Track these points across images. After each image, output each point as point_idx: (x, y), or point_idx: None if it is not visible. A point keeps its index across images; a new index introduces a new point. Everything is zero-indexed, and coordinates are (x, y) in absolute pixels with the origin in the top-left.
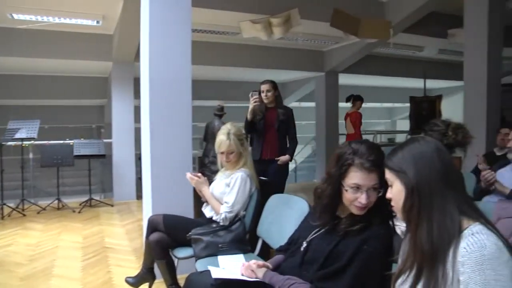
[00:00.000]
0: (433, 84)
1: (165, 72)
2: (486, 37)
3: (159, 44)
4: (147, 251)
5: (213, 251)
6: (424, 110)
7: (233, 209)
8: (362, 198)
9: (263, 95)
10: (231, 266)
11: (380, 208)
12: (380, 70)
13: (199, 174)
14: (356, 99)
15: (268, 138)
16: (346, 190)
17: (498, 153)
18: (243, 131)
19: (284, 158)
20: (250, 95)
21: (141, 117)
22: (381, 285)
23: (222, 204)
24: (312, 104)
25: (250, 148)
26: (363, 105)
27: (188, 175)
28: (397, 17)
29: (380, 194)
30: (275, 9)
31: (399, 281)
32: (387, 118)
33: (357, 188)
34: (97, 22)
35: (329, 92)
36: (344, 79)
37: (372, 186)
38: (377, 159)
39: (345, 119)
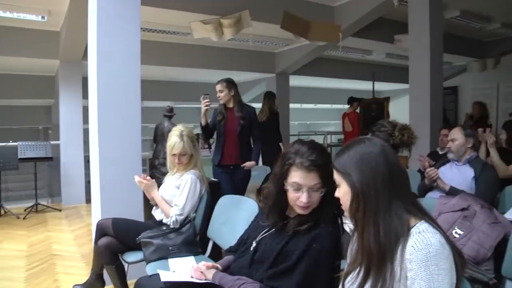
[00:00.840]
0: (381, 86)
1: (114, 71)
2: (428, 43)
3: (107, 42)
4: (96, 256)
5: (164, 254)
6: (373, 111)
7: (184, 212)
8: (303, 197)
9: (217, 95)
10: (181, 268)
11: (327, 207)
12: (330, 72)
13: (148, 177)
14: (353, 100)
15: (228, 142)
16: (288, 190)
17: (440, 152)
18: (194, 133)
19: (249, 164)
20: (201, 98)
21: (89, 118)
22: (331, 282)
23: (172, 206)
24: None
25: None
26: (314, 106)
27: (137, 178)
28: (346, 21)
29: (322, 194)
30: (226, 10)
31: (348, 279)
32: (337, 119)
33: (298, 187)
34: (43, 17)
35: (280, 93)
36: (295, 81)
37: (313, 186)
38: (317, 159)
39: (343, 118)
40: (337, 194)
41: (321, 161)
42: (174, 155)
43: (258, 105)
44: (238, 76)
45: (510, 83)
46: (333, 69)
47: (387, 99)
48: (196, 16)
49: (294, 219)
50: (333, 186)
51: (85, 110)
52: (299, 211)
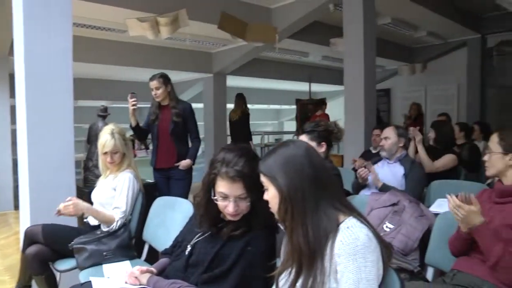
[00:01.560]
0: (318, 87)
1: (43, 68)
2: (362, 47)
3: (36, 37)
4: (23, 267)
5: (98, 260)
6: (310, 112)
7: (127, 212)
8: (230, 207)
9: (152, 93)
10: (116, 274)
11: (260, 211)
12: (267, 73)
13: (69, 198)
14: (322, 102)
15: (162, 143)
16: (216, 199)
17: (373, 151)
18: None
19: (184, 162)
20: (128, 97)
21: (16, 118)
22: (266, 283)
23: (108, 209)
24: (201, 105)
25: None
26: (251, 106)
27: (61, 207)
28: (283, 23)
29: (249, 203)
30: (162, 9)
31: (282, 277)
32: (274, 119)
33: (225, 196)
34: None
35: (217, 94)
36: (233, 81)
37: (239, 196)
38: (242, 169)
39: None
40: (266, 197)
41: (246, 171)
42: (105, 153)
43: (196, 105)
44: (175, 76)
45: (436, 86)
46: (270, 70)
47: (323, 100)
48: (132, 13)
49: (228, 223)
50: (262, 191)
51: (13, 109)
52: (230, 218)
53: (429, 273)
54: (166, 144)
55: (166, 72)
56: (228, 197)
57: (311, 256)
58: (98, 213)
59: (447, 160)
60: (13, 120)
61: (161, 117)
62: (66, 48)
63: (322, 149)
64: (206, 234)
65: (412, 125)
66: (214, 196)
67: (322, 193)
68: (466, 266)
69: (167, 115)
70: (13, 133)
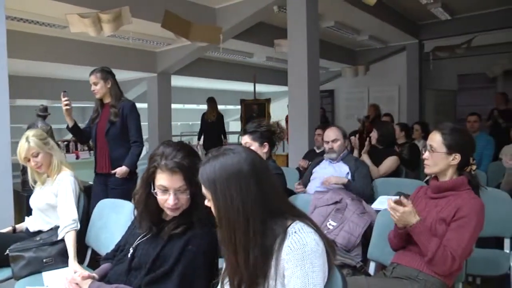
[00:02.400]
0: (263, 88)
1: None
2: (305, 48)
3: None
4: None
5: (37, 267)
6: (254, 112)
7: (77, 218)
8: (170, 200)
9: (92, 89)
10: (57, 282)
11: (199, 206)
12: (212, 73)
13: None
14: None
15: (100, 145)
16: (156, 193)
17: (317, 151)
18: (41, 131)
19: (120, 170)
20: (61, 95)
21: None
22: (209, 281)
23: (48, 215)
24: (145, 105)
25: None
26: (197, 106)
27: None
28: (227, 24)
29: (188, 196)
30: (105, 5)
31: (226, 280)
32: None
33: (164, 190)
34: None
35: (162, 93)
36: (177, 81)
37: (178, 188)
38: (181, 161)
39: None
40: (207, 203)
41: (185, 163)
42: (27, 160)
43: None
44: (118, 75)
45: (378, 88)
46: (215, 70)
47: (268, 100)
48: (73, 8)
49: (169, 222)
50: (199, 189)
51: None
52: (169, 213)
53: (371, 268)
54: (103, 146)
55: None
56: (168, 190)
57: (252, 276)
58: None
59: (390, 163)
60: None
61: (102, 116)
62: (0, 43)
63: (265, 149)
64: (148, 236)
65: (370, 126)
66: (154, 190)
67: (268, 207)
68: (404, 259)
69: (107, 114)
70: None
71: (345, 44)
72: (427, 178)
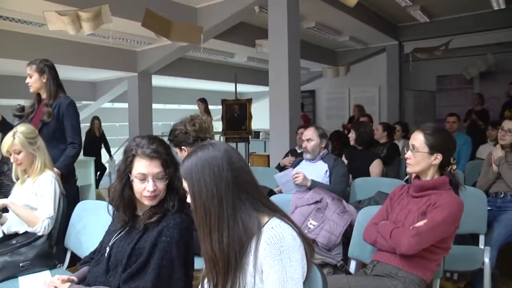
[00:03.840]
0: (244, 88)
1: None
2: (286, 49)
3: None
4: None
5: (13, 272)
6: (236, 112)
7: (54, 217)
8: (149, 186)
9: (26, 81)
10: (34, 286)
11: (173, 195)
12: (193, 73)
13: None
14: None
15: None
16: (134, 182)
17: (299, 150)
18: (30, 127)
19: None
20: None
21: None
22: (187, 272)
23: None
24: (125, 105)
25: None
26: (178, 106)
27: None
28: (208, 23)
29: (167, 182)
30: (84, 3)
31: (205, 280)
32: None
33: (143, 177)
34: None
35: (143, 93)
36: (158, 81)
37: (156, 174)
38: (158, 148)
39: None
40: (188, 200)
41: (162, 149)
42: (9, 154)
43: (121, 105)
44: (98, 74)
45: (358, 88)
46: (196, 70)
47: (249, 101)
48: (51, 5)
49: (143, 215)
50: (175, 174)
51: None
52: (147, 202)
53: (352, 266)
54: None
55: (88, 70)
56: (147, 177)
57: (225, 263)
58: (23, 214)
59: (378, 167)
60: None
61: (36, 113)
62: None
63: (185, 153)
64: (122, 232)
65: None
66: (132, 179)
67: (242, 195)
68: (384, 256)
69: (41, 111)
70: None
71: (326, 44)
72: (407, 177)
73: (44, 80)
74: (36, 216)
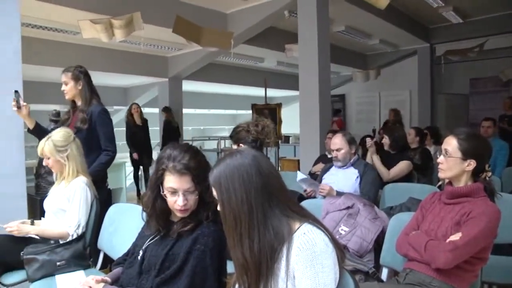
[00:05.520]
0: (274, 92)
1: None
2: (316, 53)
3: None
4: None
5: (50, 270)
6: (266, 116)
7: (81, 224)
8: (179, 201)
9: (62, 88)
10: (70, 285)
11: (207, 206)
12: (223, 78)
13: (15, 223)
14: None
15: None
16: (165, 195)
17: (329, 156)
18: (66, 133)
19: None
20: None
21: None
22: (220, 280)
23: (60, 218)
24: (156, 110)
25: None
26: (208, 111)
27: (7, 229)
28: (238, 29)
29: (197, 196)
30: (117, 11)
31: (237, 286)
32: (231, 124)
33: (174, 191)
34: None
35: (173, 98)
36: (188, 86)
37: (187, 189)
38: (189, 162)
39: (332, 124)
40: (219, 208)
41: (193, 164)
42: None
43: (152, 110)
44: (130, 80)
45: (389, 92)
46: (226, 75)
47: (279, 105)
48: (86, 14)
49: (177, 223)
50: (207, 187)
51: None
52: (179, 214)
53: (384, 274)
54: None
55: (120, 76)
56: (177, 192)
57: (257, 269)
58: (44, 232)
59: (401, 167)
60: None
61: (72, 120)
62: (15, 50)
63: None
64: (157, 238)
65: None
66: (163, 192)
67: (272, 202)
68: (417, 265)
69: (76, 118)
70: None
71: (356, 48)
72: (440, 183)
73: (80, 87)
74: (62, 232)
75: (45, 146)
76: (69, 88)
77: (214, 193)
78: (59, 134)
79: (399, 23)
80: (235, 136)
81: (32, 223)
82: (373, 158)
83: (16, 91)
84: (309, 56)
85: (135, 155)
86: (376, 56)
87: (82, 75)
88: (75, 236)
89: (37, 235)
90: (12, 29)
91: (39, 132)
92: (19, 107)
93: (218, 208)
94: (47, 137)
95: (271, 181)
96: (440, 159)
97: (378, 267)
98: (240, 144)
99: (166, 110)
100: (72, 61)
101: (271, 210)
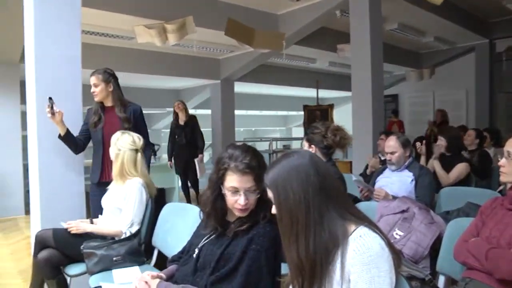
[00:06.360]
0: (325, 93)
1: (53, 75)
2: (369, 52)
3: (46, 44)
4: (35, 271)
5: (107, 265)
6: (317, 118)
7: (134, 223)
8: (241, 200)
9: (91, 90)
10: (126, 279)
11: (264, 206)
12: (275, 79)
13: (73, 223)
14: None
15: (108, 152)
16: (226, 194)
17: (382, 158)
18: (131, 141)
19: None
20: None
21: (27, 124)
22: (274, 280)
23: (116, 215)
24: (208, 111)
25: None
26: (259, 112)
27: (65, 225)
28: (290, 30)
29: (258, 196)
30: (170, 16)
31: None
32: (282, 126)
33: (235, 191)
34: None
35: (225, 100)
36: (240, 87)
37: (249, 188)
38: (251, 162)
39: (391, 125)
40: (273, 211)
41: (254, 163)
42: None
43: (204, 112)
44: (183, 82)
45: (444, 92)
46: (278, 76)
47: (331, 106)
48: (140, 20)
49: (234, 222)
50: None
51: (24, 115)
52: (238, 213)
53: (441, 282)
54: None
55: (173, 78)
56: (239, 191)
57: (312, 270)
58: (100, 230)
59: (460, 169)
60: (24, 126)
61: (106, 120)
62: (75, 56)
63: (311, 151)
64: (212, 236)
65: (438, 132)
66: (223, 191)
67: (329, 203)
68: (477, 274)
69: (113, 118)
70: (24, 139)
71: (409, 46)
72: (501, 187)
73: (110, 89)
74: (116, 230)
75: (115, 134)
76: (100, 90)
77: (270, 194)
78: (128, 136)
79: (456, 19)
80: (310, 136)
81: (91, 222)
82: (434, 164)
83: (50, 98)
84: (362, 55)
85: (170, 163)
86: (430, 54)
87: (112, 78)
88: (127, 234)
89: (92, 231)
90: (73, 36)
91: (68, 139)
92: (53, 113)
93: (273, 209)
94: (125, 131)
95: (328, 181)
96: (502, 161)
97: (434, 274)
98: (312, 146)
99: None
100: (126, 66)
101: (328, 211)
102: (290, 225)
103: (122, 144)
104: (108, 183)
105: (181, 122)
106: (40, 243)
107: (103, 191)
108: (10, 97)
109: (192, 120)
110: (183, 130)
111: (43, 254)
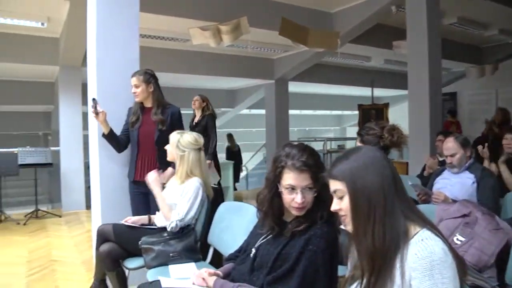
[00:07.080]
0: (380, 92)
1: (113, 78)
2: (426, 49)
3: (106, 49)
4: (98, 262)
5: (164, 260)
6: (372, 117)
7: (185, 219)
8: (298, 198)
9: (132, 91)
10: (182, 275)
11: (322, 206)
12: (329, 78)
13: (133, 219)
14: (454, 112)
15: (144, 152)
16: (283, 192)
17: (440, 159)
18: (193, 141)
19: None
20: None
21: (89, 124)
22: (330, 282)
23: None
24: (262, 111)
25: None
26: (313, 112)
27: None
28: (344, 28)
29: (315, 194)
30: (224, 17)
31: (353, 287)
32: (336, 125)
33: (292, 189)
34: (42, 24)
35: (279, 100)
36: (294, 87)
37: (306, 186)
38: (308, 160)
39: (449, 126)
40: (337, 206)
41: (311, 161)
42: None
43: (258, 111)
44: (237, 83)
45: (509, 89)
46: (332, 75)
47: (386, 105)
48: (195, 22)
49: (291, 223)
50: (324, 185)
51: (85, 116)
52: (295, 212)
53: None
54: (148, 153)
55: (227, 79)
56: (296, 189)
57: (384, 259)
58: (162, 203)
59: None
60: (85, 126)
61: (144, 121)
62: (134, 59)
63: None
64: (269, 236)
65: (498, 131)
66: (280, 189)
67: (396, 197)
68: None
69: (150, 119)
70: (85, 138)
71: (470, 41)
72: None
73: (151, 90)
74: (168, 215)
75: (173, 135)
76: (141, 91)
77: (335, 186)
78: (189, 136)
79: None
80: (365, 136)
81: (150, 219)
82: (500, 168)
83: (93, 99)
84: (419, 52)
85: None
86: (493, 48)
87: (152, 78)
88: (174, 225)
89: (157, 195)
90: (132, 41)
91: (111, 138)
92: (97, 113)
93: (337, 205)
94: (181, 132)
95: (397, 177)
96: None
97: (502, 286)
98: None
99: (227, 136)
100: (181, 67)
101: (397, 204)
102: (368, 213)
103: (185, 145)
104: (142, 182)
105: (196, 120)
106: (102, 237)
107: (139, 188)
108: (72, 99)
109: (204, 120)
110: (193, 130)
111: (104, 247)
